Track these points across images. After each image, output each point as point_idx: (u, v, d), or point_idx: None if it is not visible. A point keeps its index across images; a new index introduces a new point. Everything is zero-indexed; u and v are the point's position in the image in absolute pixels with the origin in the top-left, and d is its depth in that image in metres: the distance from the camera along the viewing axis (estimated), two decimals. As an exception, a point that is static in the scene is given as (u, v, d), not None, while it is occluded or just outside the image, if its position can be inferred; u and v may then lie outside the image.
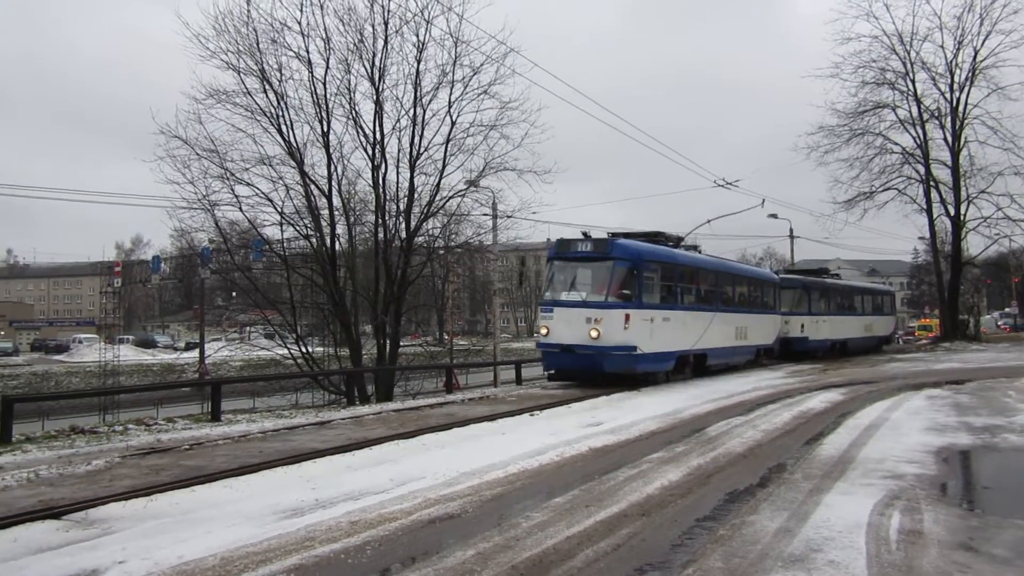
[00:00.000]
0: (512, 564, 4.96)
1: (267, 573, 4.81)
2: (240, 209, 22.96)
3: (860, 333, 34.11)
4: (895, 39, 38.12)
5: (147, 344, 74.31)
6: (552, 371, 18.20)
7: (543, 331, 17.03)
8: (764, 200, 29.38)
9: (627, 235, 18.33)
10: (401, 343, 26.31)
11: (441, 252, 28.54)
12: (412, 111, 23.54)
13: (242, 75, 21.80)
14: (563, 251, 17.48)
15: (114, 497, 6.66)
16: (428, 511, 6.30)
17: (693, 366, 19.70)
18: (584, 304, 16.52)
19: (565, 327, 16.46)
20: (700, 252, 22.05)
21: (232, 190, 22.21)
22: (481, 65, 23.02)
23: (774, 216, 42.61)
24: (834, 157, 39.25)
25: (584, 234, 17.61)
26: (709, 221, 27.69)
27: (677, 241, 20.48)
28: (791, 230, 44.49)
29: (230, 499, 6.71)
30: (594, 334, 15.99)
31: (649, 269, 17.52)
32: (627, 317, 16.23)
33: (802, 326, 28.43)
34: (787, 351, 27.55)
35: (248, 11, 21.82)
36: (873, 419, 11.87)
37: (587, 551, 5.24)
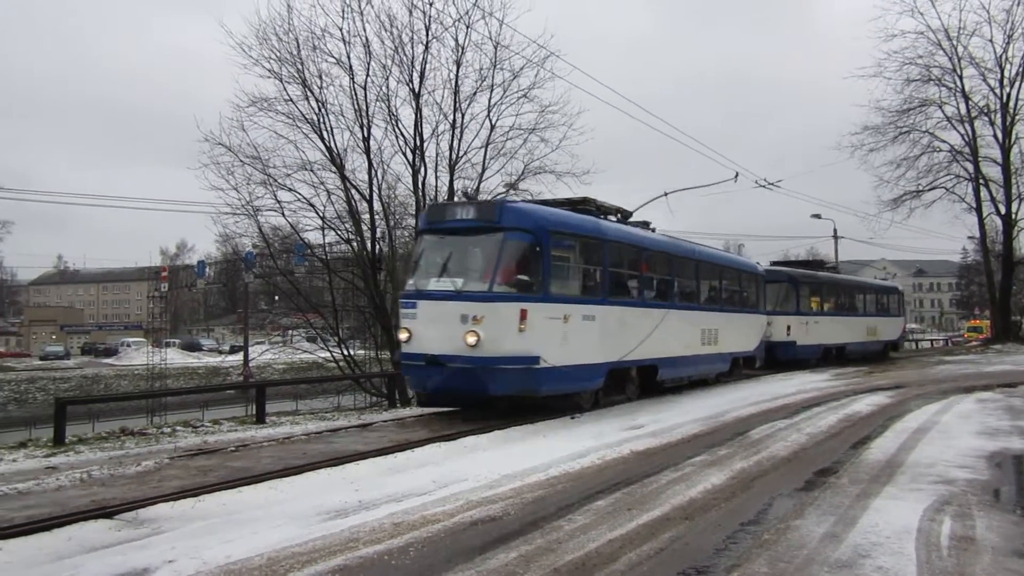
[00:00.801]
0: (554, 567, 4.96)
1: (312, 573, 4.87)
2: (282, 214, 23.44)
3: (861, 337, 29.51)
4: (941, 35, 37.34)
5: (193, 347, 75.86)
6: (422, 394, 13.10)
7: (403, 335, 12.11)
8: (737, 174, 24.98)
9: (541, 203, 13.73)
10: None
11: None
12: (452, 115, 23.70)
13: (284, 82, 22.22)
14: (436, 220, 12.67)
15: (163, 497, 6.80)
16: (470, 513, 6.32)
17: (638, 382, 14.98)
18: (458, 296, 11.54)
19: (432, 329, 11.67)
20: (653, 230, 16.90)
21: (275, 196, 22.65)
22: (520, 69, 23.10)
23: (817, 216, 42.12)
24: (880, 157, 38.62)
25: (466, 195, 12.88)
26: (666, 194, 23.50)
27: (622, 215, 15.77)
28: (835, 230, 43.80)
29: (275, 500, 6.81)
30: (472, 340, 11.12)
31: (562, 246, 12.66)
32: (523, 314, 11.41)
33: (788, 328, 23.96)
34: (770, 358, 22.92)
35: (290, 19, 22.23)
36: (922, 423, 11.63)
37: (630, 554, 5.22)
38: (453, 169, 23.91)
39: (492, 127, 23.72)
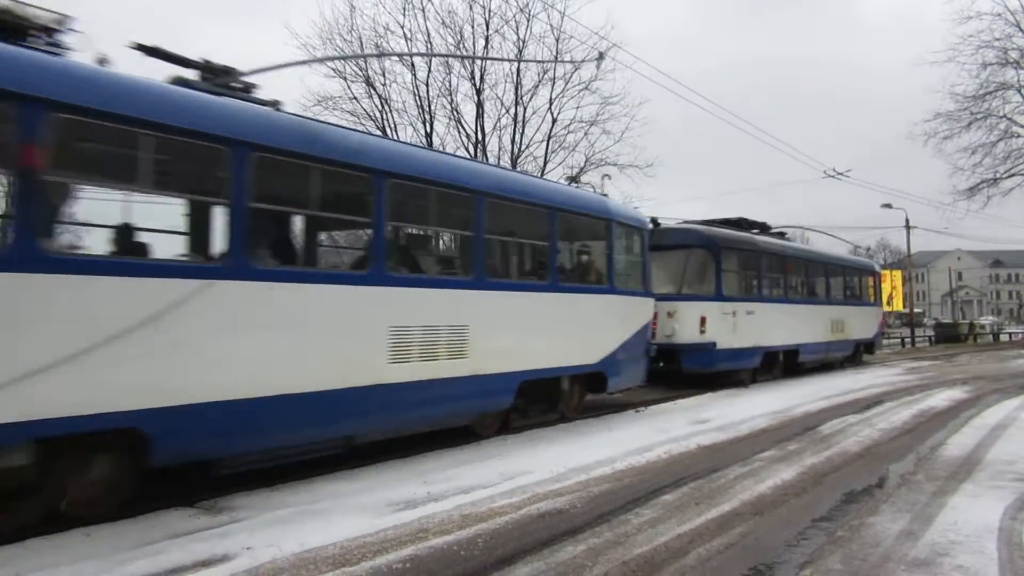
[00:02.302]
0: (623, 560, 4.96)
1: (383, 562, 4.97)
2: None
3: (822, 335, 20.05)
4: (1020, 15, 35.80)
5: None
6: None
7: None
8: (601, 55, 18.90)
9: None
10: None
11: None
12: (513, 109, 23.76)
13: (348, 81, 22.51)
14: None
15: (240, 487, 7.01)
16: (537, 506, 6.36)
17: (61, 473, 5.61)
18: None
19: None
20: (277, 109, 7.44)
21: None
22: (582, 61, 23.02)
23: (888, 206, 40.93)
24: (953, 144, 37.26)
25: None
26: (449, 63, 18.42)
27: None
28: (907, 220, 42.54)
29: (347, 491, 6.95)
30: None
31: None
32: None
33: (703, 322, 15.11)
34: (668, 372, 14.90)
35: (352, 19, 22.48)
36: (1001, 418, 11.26)
37: (699, 549, 5.19)
38: (515, 163, 24.01)
39: (554, 120, 23.80)
